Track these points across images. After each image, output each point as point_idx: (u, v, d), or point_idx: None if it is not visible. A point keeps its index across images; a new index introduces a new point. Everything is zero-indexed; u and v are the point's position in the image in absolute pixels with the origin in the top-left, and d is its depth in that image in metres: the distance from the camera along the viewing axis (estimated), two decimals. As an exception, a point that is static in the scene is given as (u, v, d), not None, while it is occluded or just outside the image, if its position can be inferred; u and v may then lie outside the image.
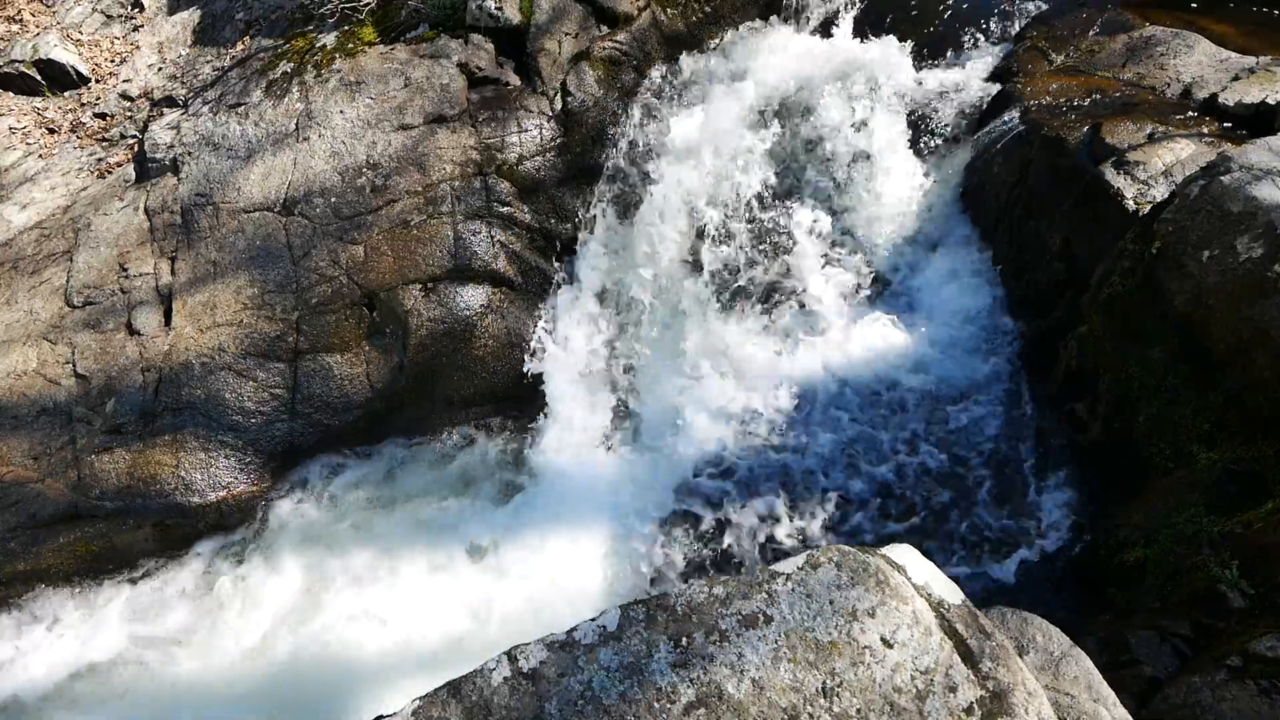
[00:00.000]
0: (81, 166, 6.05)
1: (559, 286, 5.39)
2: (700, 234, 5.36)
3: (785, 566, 1.97)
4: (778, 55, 5.64)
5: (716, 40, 5.87)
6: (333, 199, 5.19)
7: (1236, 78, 4.36)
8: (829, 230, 5.24)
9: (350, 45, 5.67)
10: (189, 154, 5.52)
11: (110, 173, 5.91)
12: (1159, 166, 3.96)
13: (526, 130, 5.30)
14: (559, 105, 5.37)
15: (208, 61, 6.31)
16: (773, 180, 5.35)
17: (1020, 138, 4.61)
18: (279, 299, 5.09)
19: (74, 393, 5.00)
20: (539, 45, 5.41)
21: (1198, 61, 4.54)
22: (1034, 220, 4.51)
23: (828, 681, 1.76)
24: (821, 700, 1.74)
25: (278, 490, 5.07)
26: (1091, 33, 5.05)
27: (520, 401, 5.32)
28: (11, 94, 6.48)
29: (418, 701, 1.85)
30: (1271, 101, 4.09)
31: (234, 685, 4.44)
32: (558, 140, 5.35)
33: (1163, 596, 2.98)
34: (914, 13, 5.64)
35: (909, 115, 5.21)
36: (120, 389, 4.98)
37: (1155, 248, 3.53)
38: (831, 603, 1.88)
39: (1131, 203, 3.90)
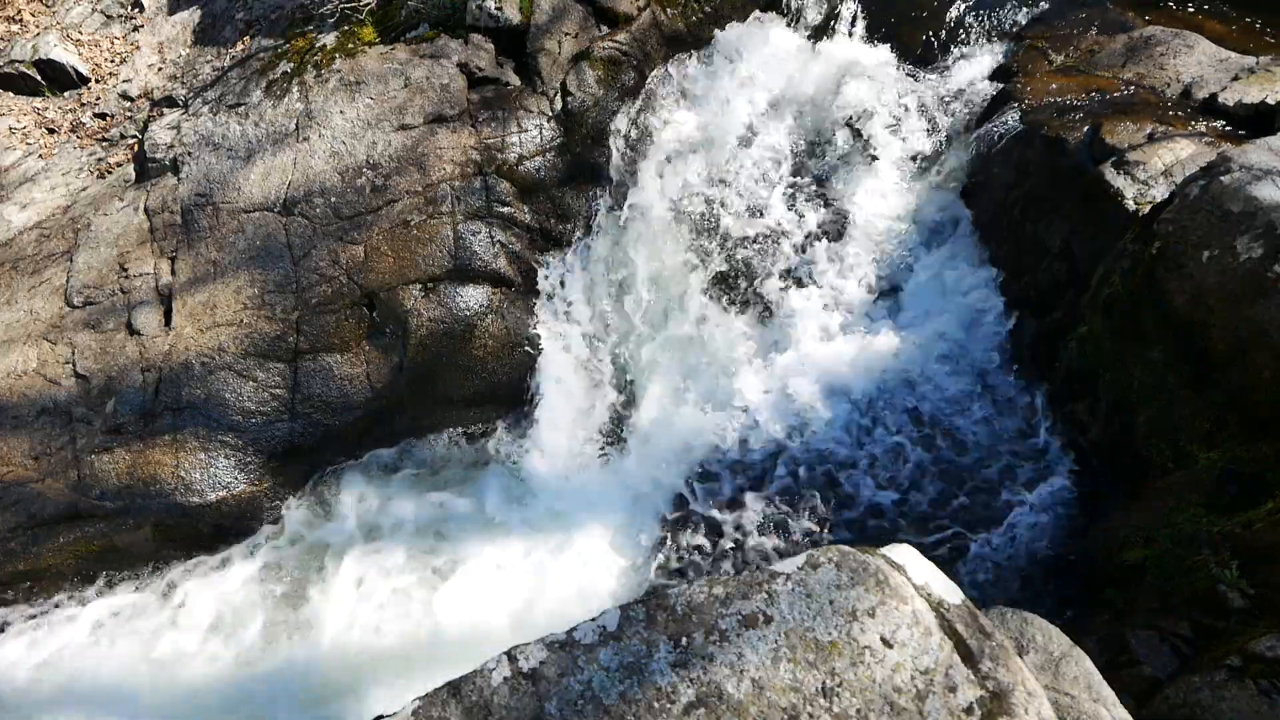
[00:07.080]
0: (81, 166, 6.05)
1: (559, 286, 5.39)
2: (698, 236, 5.36)
3: (785, 566, 1.97)
4: (776, 56, 5.63)
5: (716, 40, 5.86)
6: (333, 199, 5.19)
7: (1236, 78, 4.36)
8: (828, 232, 5.24)
9: (350, 45, 5.67)
10: (189, 154, 5.52)
11: (110, 173, 5.91)
12: (1159, 166, 3.95)
13: (526, 130, 5.30)
14: (559, 105, 5.37)
15: (208, 61, 6.31)
16: (770, 182, 5.35)
17: (1020, 138, 4.60)
18: (279, 299, 5.09)
19: (74, 393, 5.00)
20: (539, 45, 5.41)
21: (1198, 61, 4.54)
22: (1034, 220, 4.51)
23: (828, 681, 1.76)
24: (821, 700, 1.74)
25: (276, 490, 5.07)
26: (1091, 33, 5.05)
27: (520, 401, 5.32)
28: (11, 94, 6.47)
29: (418, 701, 1.85)
30: (1271, 101, 4.09)
31: (234, 686, 4.44)
32: (558, 140, 5.34)
33: (1163, 596, 2.98)
34: (913, 13, 5.64)
35: (908, 115, 5.20)
36: (120, 389, 4.98)
37: (1155, 248, 3.53)
38: (831, 603, 1.88)
39: (1131, 203, 3.89)
